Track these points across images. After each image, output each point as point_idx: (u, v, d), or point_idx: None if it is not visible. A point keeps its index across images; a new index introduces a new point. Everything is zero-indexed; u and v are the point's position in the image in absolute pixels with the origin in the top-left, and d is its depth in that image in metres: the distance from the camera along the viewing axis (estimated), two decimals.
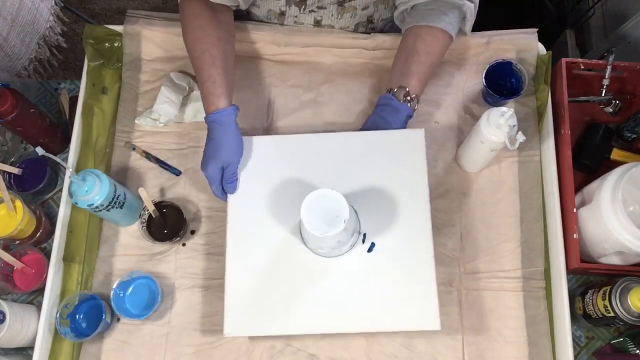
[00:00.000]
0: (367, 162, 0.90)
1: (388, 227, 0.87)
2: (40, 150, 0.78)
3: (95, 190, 0.83)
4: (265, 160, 0.91)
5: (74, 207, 0.95)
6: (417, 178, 0.89)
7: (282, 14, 1.01)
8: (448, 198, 0.97)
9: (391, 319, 0.84)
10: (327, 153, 0.91)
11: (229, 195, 0.91)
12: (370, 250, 0.86)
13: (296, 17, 1.02)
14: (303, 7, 0.99)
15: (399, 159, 0.90)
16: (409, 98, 0.90)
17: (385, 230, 0.87)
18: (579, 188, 0.96)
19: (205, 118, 0.88)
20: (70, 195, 0.84)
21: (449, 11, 0.92)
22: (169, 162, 0.99)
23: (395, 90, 0.91)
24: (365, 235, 0.87)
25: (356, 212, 0.80)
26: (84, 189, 0.83)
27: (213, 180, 0.88)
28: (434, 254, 0.85)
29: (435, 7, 0.93)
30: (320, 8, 0.99)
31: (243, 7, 0.96)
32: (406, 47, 0.93)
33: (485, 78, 0.97)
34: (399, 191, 0.88)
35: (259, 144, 0.92)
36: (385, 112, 0.92)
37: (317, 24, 1.03)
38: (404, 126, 0.92)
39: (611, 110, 1.04)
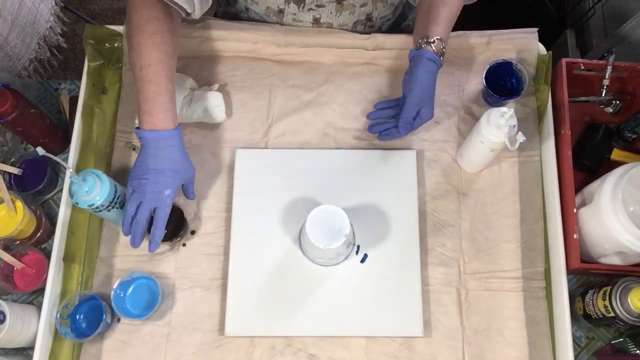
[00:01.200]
0: (362, 178, 0.96)
1: (380, 240, 0.94)
2: (40, 150, 0.78)
3: (95, 190, 0.83)
4: (266, 173, 0.97)
5: (74, 207, 0.95)
6: (407, 195, 0.95)
7: (281, 11, 1.01)
8: (448, 198, 0.97)
9: (379, 324, 0.90)
10: (326, 168, 0.97)
11: (234, 201, 0.93)
12: (363, 261, 0.93)
13: (294, 14, 1.02)
14: (302, 4, 0.99)
15: (391, 177, 0.96)
16: (431, 41, 0.88)
17: (377, 243, 0.93)
18: (579, 188, 0.96)
19: (157, 133, 0.84)
20: (71, 195, 0.84)
21: None
22: None
23: (419, 41, 0.90)
24: (358, 246, 0.93)
25: (351, 224, 0.84)
26: (84, 189, 0.83)
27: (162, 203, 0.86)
28: (420, 265, 0.92)
29: None
30: (318, 6, 0.99)
31: (197, 14, 0.91)
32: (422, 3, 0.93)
33: (485, 78, 0.97)
34: (391, 207, 0.95)
35: (261, 156, 0.98)
36: (413, 65, 0.90)
37: (316, 21, 1.03)
38: (430, 73, 0.89)
39: (611, 110, 1.04)
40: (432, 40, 0.88)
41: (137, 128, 0.85)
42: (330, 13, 1.01)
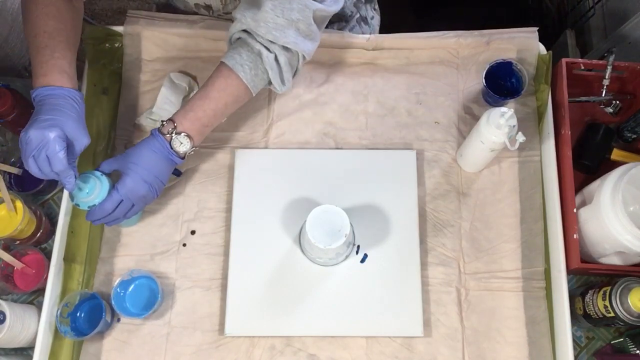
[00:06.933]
0: (362, 178, 0.96)
1: (380, 240, 0.93)
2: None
3: (95, 192, 0.83)
4: (266, 173, 0.97)
5: (75, 208, 0.95)
6: (407, 195, 0.95)
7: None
8: (448, 198, 0.97)
9: (379, 324, 0.90)
10: (326, 168, 0.97)
11: (234, 202, 0.93)
12: (362, 261, 0.93)
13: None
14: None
15: (391, 177, 0.96)
16: (171, 130, 0.83)
17: (377, 243, 0.93)
18: (579, 188, 0.96)
19: (53, 89, 0.79)
20: (71, 197, 0.84)
21: (243, 51, 0.84)
22: None
23: (165, 123, 0.84)
24: (358, 246, 0.93)
25: (351, 224, 0.85)
26: (84, 191, 0.83)
27: (52, 147, 0.75)
28: (420, 265, 0.92)
29: (238, 44, 0.85)
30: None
31: None
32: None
33: (485, 78, 0.97)
34: (391, 207, 0.95)
35: (261, 156, 0.98)
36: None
37: None
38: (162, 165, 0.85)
39: (611, 110, 1.04)
40: (176, 128, 0.84)
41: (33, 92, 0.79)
42: None
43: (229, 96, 0.86)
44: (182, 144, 0.84)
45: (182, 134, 0.84)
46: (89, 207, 0.84)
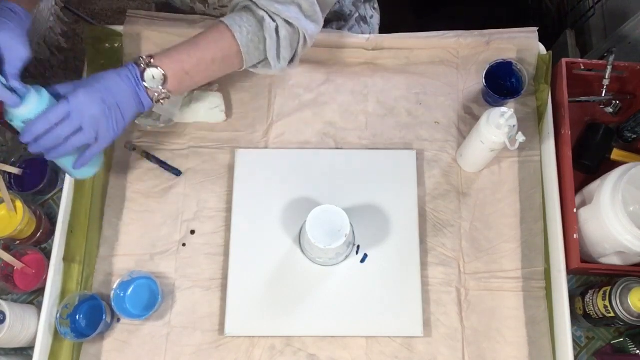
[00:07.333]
0: (362, 178, 0.96)
1: (380, 239, 0.93)
2: None
3: (32, 103, 0.71)
4: (266, 173, 0.97)
5: (74, 207, 0.95)
6: (407, 195, 0.95)
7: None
8: (448, 198, 0.97)
9: (379, 324, 0.90)
10: (326, 168, 0.97)
11: (234, 202, 0.93)
12: (362, 261, 0.93)
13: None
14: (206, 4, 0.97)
15: (391, 177, 0.96)
16: (147, 62, 0.77)
17: (377, 243, 0.93)
18: (579, 188, 0.96)
19: None
20: (5, 112, 0.73)
21: (244, 15, 0.82)
22: (169, 162, 0.99)
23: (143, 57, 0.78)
24: (358, 246, 0.93)
25: (351, 224, 0.85)
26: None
27: None
28: (420, 266, 0.92)
29: (241, 10, 0.83)
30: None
31: None
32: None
33: (485, 78, 0.97)
34: (391, 207, 0.95)
35: (261, 156, 0.98)
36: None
37: None
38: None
39: (611, 110, 1.04)
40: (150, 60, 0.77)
41: None
42: None
43: (218, 51, 0.80)
44: (154, 79, 0.77)
45: (158, 68, 0.77)
46: (23, 122, 0.72)
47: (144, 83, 0.77)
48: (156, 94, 0.78)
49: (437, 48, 1.05)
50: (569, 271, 0.92)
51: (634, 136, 1.01)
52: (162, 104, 0.80)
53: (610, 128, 1.02)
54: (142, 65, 0.77)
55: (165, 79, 0.77)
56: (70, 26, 1.31)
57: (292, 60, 0.87)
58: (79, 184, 0.96)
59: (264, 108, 1.02)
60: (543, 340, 0.90)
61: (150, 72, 0.77)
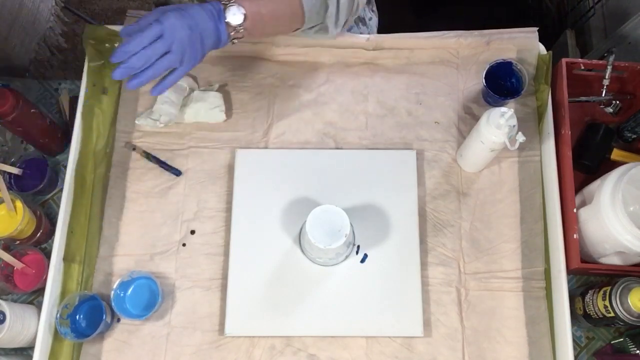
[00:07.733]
0: (362, 178, 0.96)
1: (380, 240, 0.93)
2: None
3: None
4: (266, 173, 0.97)
5: (74, 207, 0.95)
6: (407, 195, 0.95)
7: None
8: (448, 198, 0.97)
9: (379, 324, 0.90)
10: (326, 168, 0.97)
11: (234, 202, 0.93)
12: (362, 261, 0.93)
13: None
14: None
15: (391, 177, 0.96)
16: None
17: (377, 243, 0.93)
18: (579, 188, 0.96)
19: None
20: None
21: None
22: (169, 162, 0.99)
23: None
24: (358, 246, 0.93)
25: (351, 224, 0.85)
26: None
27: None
28: (420, 266, 0.92)
29: None
30: None
31: None
32: None
33: (485, 78, 0.97)
34: (391, 207, 0.95)
35: (261, 156, 0.98)
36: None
37: None
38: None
39: (611, 110, 1.04)
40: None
41: None
42: None
43: (287, 7, 0.85)
44: (235, 15, 0.79)
45: (240, 6, 0.80)
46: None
47: (226, 19, 0.79)
48: (233, 32, 0.81)
49: (437, 48, 1.05)
50: (569, 271, 0.92)
51: (634, 136, 1.01)
52: (233, 43, 0.82)
53: (610, 128, 1.02)
54: (225, 2, 0.80)
55: (245, 18, 0.80)
56: (70, 26, 1.31)
57: (341, 28, 0.92)
58: (79, 184, 0.96)
59: (264, 108, 1.02)
60: (543, 340, 0.90)
61: (232, 10, 0.80)
